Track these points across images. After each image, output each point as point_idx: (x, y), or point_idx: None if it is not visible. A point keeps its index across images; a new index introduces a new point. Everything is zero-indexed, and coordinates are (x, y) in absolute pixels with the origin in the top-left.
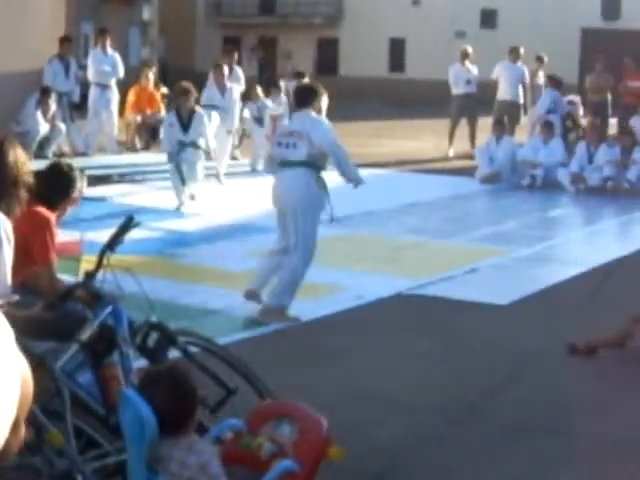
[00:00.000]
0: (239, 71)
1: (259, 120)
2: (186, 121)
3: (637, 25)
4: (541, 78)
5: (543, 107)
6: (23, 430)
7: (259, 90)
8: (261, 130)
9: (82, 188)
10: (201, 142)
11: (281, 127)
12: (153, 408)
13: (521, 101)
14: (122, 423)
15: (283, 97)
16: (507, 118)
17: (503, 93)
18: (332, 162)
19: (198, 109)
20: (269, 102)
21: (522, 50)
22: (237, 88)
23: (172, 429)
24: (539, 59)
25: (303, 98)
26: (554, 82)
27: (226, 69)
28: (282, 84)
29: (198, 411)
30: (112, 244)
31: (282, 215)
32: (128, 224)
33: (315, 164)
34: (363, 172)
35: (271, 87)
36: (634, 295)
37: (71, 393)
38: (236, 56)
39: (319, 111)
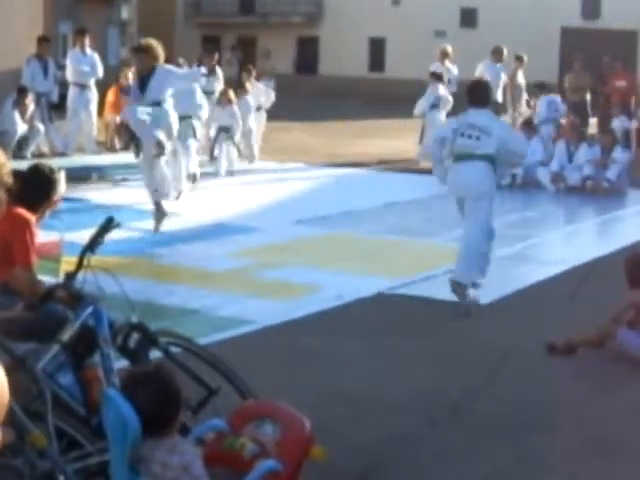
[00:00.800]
0: (219, 71)
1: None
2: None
3: (617, 24)
4: (520, 78)
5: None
6: (0, 434)
7: (231, 94)
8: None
9: (62, 191)
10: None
11: (459, 118)
12: (136, 409)
13: (500, 100)
14: (105, 423)
15: (249, 99)
16: None
17: None
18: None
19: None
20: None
21: (505, 51)
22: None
23: (155, 430)
24: (518, 58)
25: (481, 96)
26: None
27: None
28: (248, 85)
29: (181, 412)
30: (92, 245)
31: (462, 201)
32: (108, 225)
33: (494, 158)
34: (343, 172)
35: (238, 88)
36: (613, 294)
37: (52, 394)
38: (216, 56)
39: None
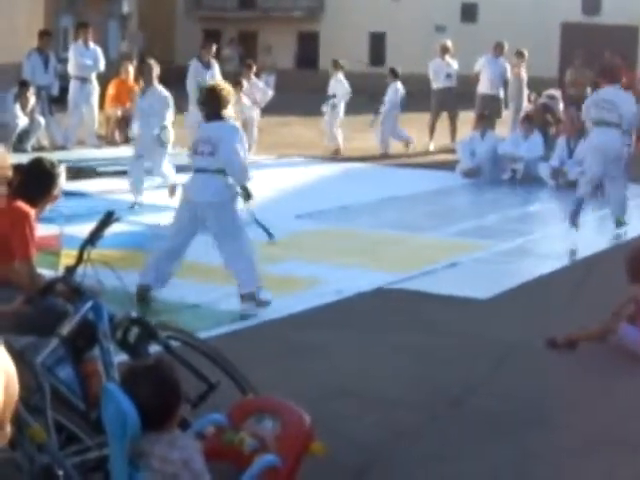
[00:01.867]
0: (216, 65)
1: None
2: None
3: (617, 20)
4: (522, 73)
5: None
6: (8, 429)
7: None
8: None
9: (63, 185)
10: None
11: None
12: (136, 403)
13: (502, 95)
14: (104, 418)
15: (243, 98)
16: (488, 112)
17: (484, 87)
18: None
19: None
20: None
21: (506, 46)
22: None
23: (155, 424)
24: (520, 54)
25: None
26: None
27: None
28: (245, 83)
29: (181, 407)
30: (93, 239)
31: None
32: (108, 219)
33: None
34: (345, 166)
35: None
36: (614, 289)
37: (52, 388)
38: (214, 49)
39: None
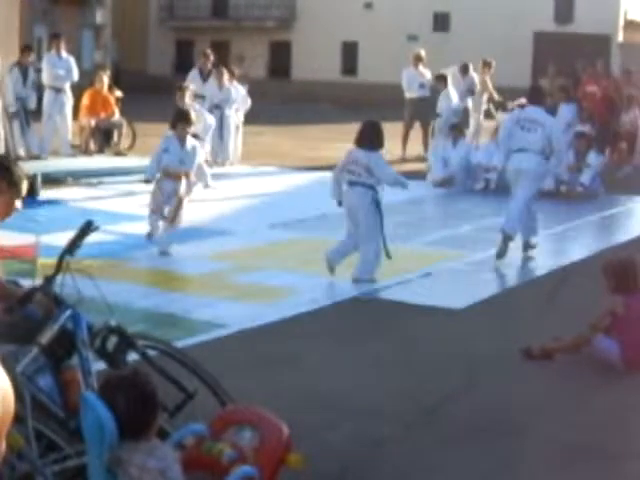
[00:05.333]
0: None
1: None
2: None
3: (589, 29)
4: (487, 83)
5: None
6: (4, 446)
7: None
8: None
9: (24, 190)
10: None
11: (523, 112)
12: (114, 412)
13: (469, 106)
14: (83, 426)
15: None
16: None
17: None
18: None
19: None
20: None
21: (471, 66)
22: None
23: (133, 433)
24: (486, 63)
25: (537, 96)
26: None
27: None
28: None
29: (159, 416)
30: (71, 248)
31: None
32: (87, 228)
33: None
34: (315, 175)
35: None
36: (588, 299)
37: (32, 396)
38: (212, 61)
39: None
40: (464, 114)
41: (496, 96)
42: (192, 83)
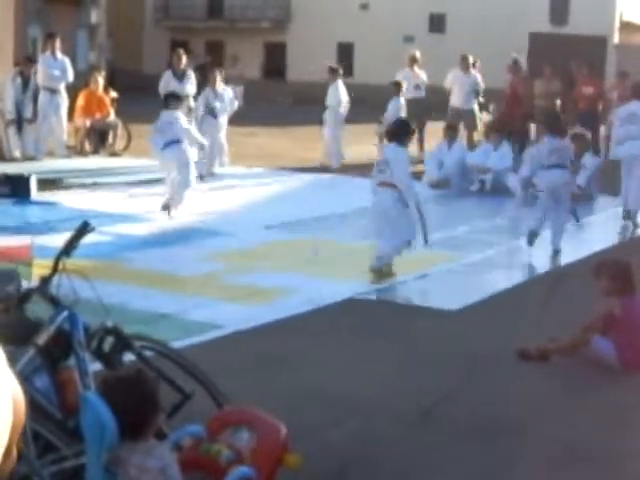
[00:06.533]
0: (192, 75)
1: None
2: None
3: (585, 30)
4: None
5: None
6: (15, 455)
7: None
8: None
9: None
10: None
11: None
12: (115, 412)
13: (475, 107)
14: (83, 426)
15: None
16: (464, 125)
17: (456, 101)
18: None
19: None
20: None
21: (471, 58)
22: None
23: (133, 433)
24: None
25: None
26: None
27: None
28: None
29: (158, 417)
30: (68, 249)
31: None
32: (84, 229)
33: None
34: (311, 177)
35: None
36: (583, 300)
37: (29, 397)
38: (185, 59)
39: None
40: (471, 116)
41: (481, 98)
42: (168, 85)
